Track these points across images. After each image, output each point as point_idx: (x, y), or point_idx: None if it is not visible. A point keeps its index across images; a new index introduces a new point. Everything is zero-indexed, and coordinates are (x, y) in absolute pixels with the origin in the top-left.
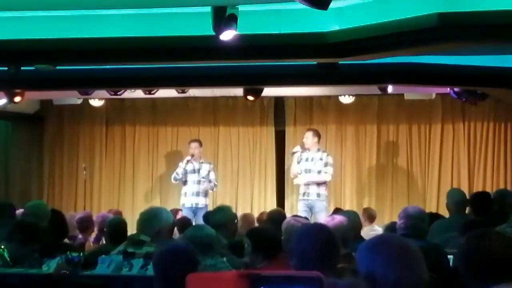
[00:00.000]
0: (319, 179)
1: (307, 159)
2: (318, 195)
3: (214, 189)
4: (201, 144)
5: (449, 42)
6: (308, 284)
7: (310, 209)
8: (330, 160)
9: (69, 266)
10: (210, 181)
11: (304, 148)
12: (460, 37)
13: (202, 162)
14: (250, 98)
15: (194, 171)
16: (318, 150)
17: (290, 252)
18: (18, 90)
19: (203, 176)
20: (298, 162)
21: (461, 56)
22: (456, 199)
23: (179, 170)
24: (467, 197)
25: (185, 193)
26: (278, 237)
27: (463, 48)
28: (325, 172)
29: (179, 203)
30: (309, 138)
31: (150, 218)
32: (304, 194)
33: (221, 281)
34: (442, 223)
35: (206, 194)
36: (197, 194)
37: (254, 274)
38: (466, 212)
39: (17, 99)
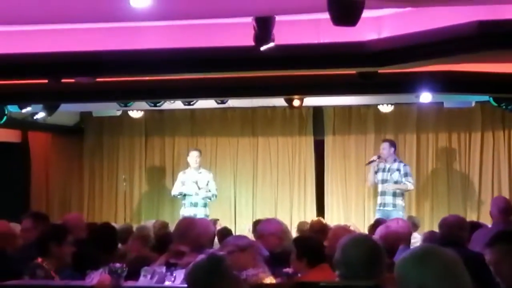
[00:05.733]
0: (402, 186)
1: (384, 170)
2: (394, 205)
3: (213, 199)
4: (201, 153)
5: (489, 50)
6: None
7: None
8: (408, 169)
9: (112, 277)
10: (209, 191)
11: (381, 159)
12: (500, 45)
13: (200, 172)
14: (296, 103)
15: (192, 182)
16: (395, 160)
17: (335, 262)
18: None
19: (201, 187)
20: (376, 172)
21: (501, 64)
22: (500, 207)
23: (178, 189)
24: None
25: (184, 204)
26: (322, 246)
27: (504, 56)
28: (405, 184)
29: (219, 213)
30: (385, 149)
31: (186, 228)
32: (380, 204)
33: None
34: (485, 232)
35: (205, 205)
36: (195, 205)
37: (313, 283)
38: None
39: None
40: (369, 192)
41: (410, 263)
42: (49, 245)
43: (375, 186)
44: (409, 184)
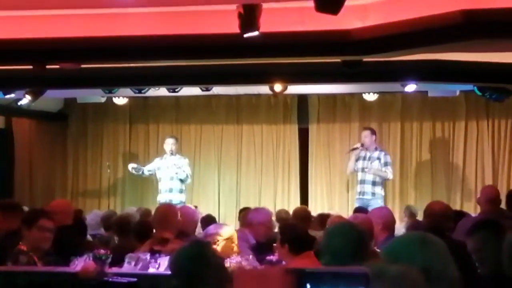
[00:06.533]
0: (381, 173)
1: (364, 158)
2: (373, 194)
3: (185, 179)
4: (177, 141)
5: (473, 39)
6: (353, 279)
7: (366, 208)
8: (389, 159)
9: (96, 264)
10: (184, 171)
11: (364, 147)
12: (484, 34)
13: (176, 158)
14: (278, 88)
15: (167, 167)
16: (376, 149)
17: (320, 250)
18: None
19: (176, 172)
20: (357, 160)
21: (486, 53)
22: (489, 197)
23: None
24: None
25: (160, 190)
26: (306, 233)
27: (488, 45)
28: (385, 172)
29: (203, 200)
30: (367, 137)
31: (165, 215)
32: (360, 193)
33: (267, 276)
34: (471, 221)
35: (181, 191)
36: (171, 190)
37: (299, 270)
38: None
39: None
40: (353, 181)
41: (411, 246)
42: (21, 228)
43: (355, 174)
44: (389, 173)
